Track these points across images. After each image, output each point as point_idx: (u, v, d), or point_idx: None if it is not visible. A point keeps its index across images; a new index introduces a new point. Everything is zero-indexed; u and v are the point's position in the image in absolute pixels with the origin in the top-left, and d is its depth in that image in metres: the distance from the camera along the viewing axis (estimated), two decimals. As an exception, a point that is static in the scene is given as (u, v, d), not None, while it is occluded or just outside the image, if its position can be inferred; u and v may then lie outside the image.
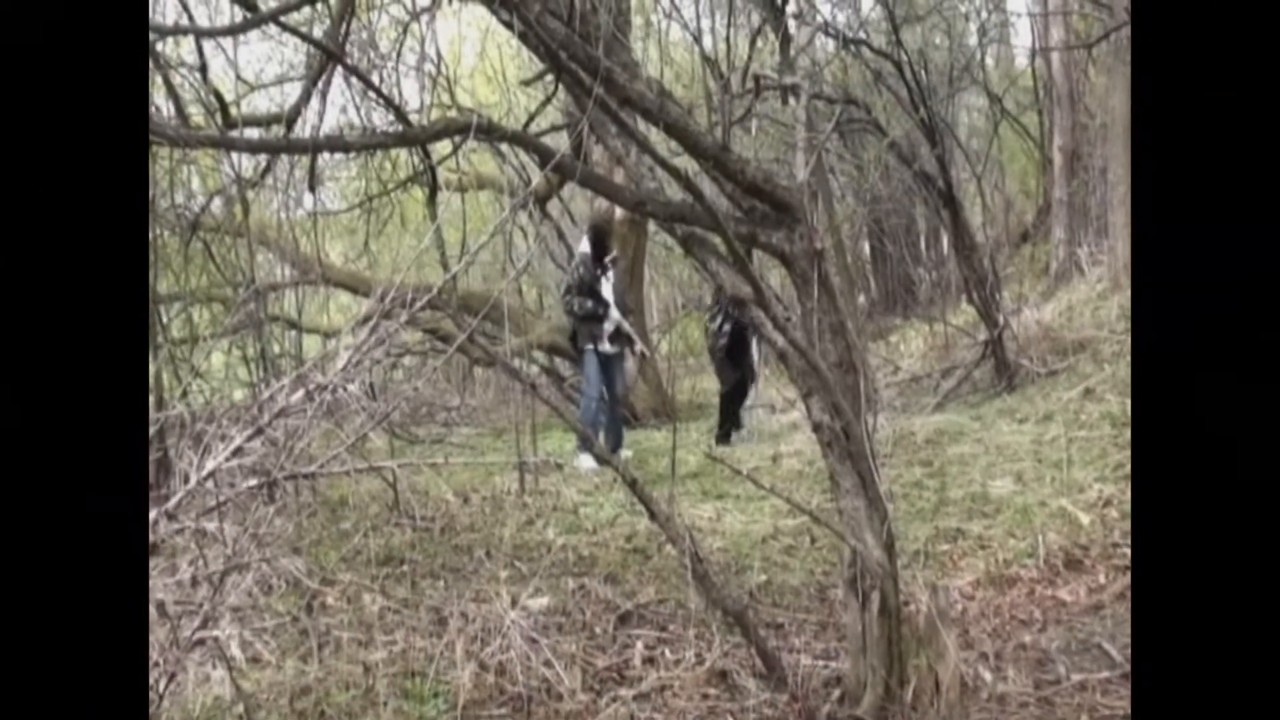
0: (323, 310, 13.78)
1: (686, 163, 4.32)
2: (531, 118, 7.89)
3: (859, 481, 4.11)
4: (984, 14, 17.18)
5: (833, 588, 5.52)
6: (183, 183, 8.67)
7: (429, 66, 9.00)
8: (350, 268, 12.90)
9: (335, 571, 5.64)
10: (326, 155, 9.08)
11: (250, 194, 8.32)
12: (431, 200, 7.43)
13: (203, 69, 7.55)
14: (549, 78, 5.50)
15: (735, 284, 4.22)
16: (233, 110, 7.57)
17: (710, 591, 4.41)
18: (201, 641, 3.78)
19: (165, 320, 7.92)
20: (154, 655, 3.64)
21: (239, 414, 3.94)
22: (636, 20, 12.44)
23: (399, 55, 8.62)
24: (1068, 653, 4.71)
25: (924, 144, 11.42)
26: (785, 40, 10.20)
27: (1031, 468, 7.43)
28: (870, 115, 11.48)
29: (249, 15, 5.24)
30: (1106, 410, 8.14)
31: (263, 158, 8.05)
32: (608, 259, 9.55)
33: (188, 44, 7.96)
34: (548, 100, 7.69)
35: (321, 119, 7.27)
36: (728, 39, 6.54)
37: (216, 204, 8.73)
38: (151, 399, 6.90)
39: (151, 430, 5.35)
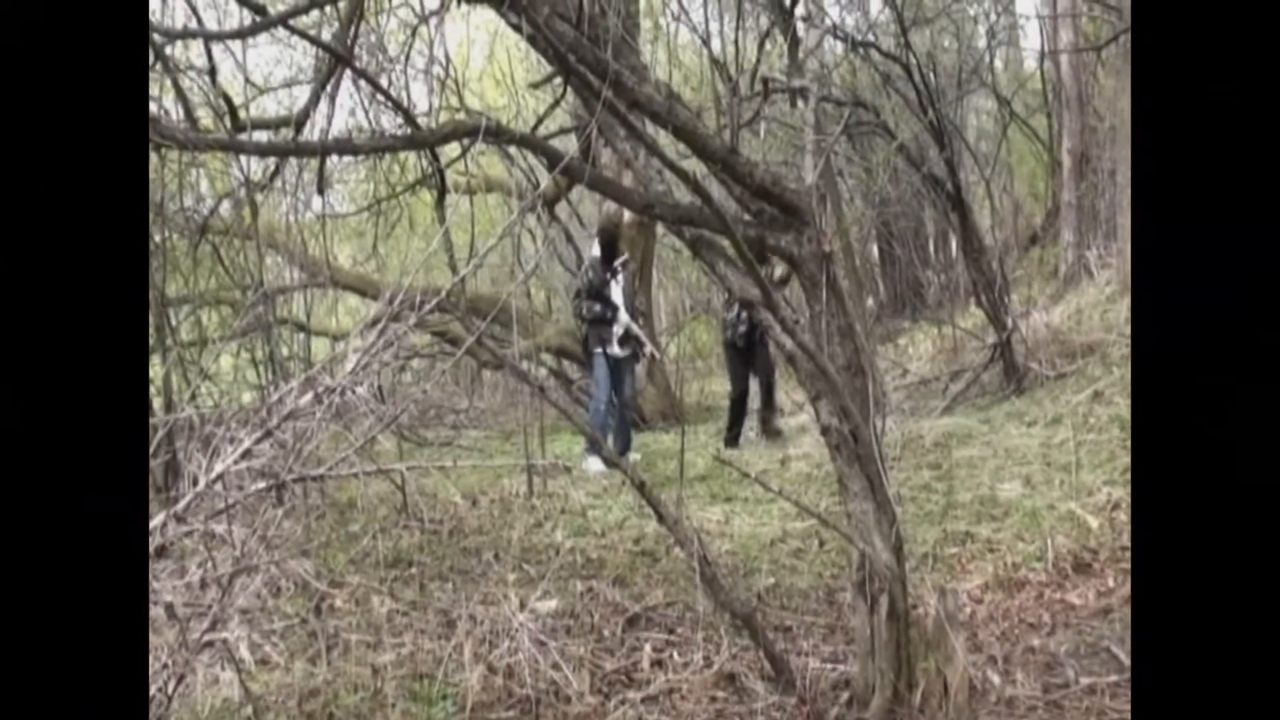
0: (331, 313, 13.78)
1: (695, 165, 4.32)
2: (540, 120, 7.89)
3: (867, 484, 4.11)
4: (993, 16, 17.17)
5: (841, 591, 5.52)
6: (191, 186, 8.68)
7: (437, 69, 9.01)
8: (359, 270, 12.92)
9: (344, 574, 5.65)
10: (335, 158, 9.09)
11: (259, 197, 8.33)
12: (440, 203, 7.42)
13: (211, 72, 7.55)
14: (557, 80, 5.49)
15: (744, 287, 4.22)
16: (241, 113, 7.58)
17: (718, 594, 4.41)
18: (210, 643, 3.78)
19: (174, 323, 7.93)
20: (163, 657, 3.64)
21: (247, 416, 3.93)
22: (645, 23, 12.45)
23: (407, 58, 8.64)
24: (1076, 656, 4.71)
25: (933, 147, 11.40)
26: (794, 43, 10.20)
27: (1040, 471, 7.41)
28: (879, 118, 11.46)
29: (258, 19, 5.24)
30: (1115, 413, 8.12)
31: (271, 161, 8.05)
32: (617, 262, 9.55)
33: (197, 47, 7.97)
34: (556, 103, 7.70)
35: (330, 122, 7.30)
36: (736, 42, 6.53)
37: (225, 207, 8.74)
38: (160, 401, 6.91)
39: (160, 433, 5.36)
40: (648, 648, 4.89)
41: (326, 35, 7.14)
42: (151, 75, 6.86)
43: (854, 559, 4.18)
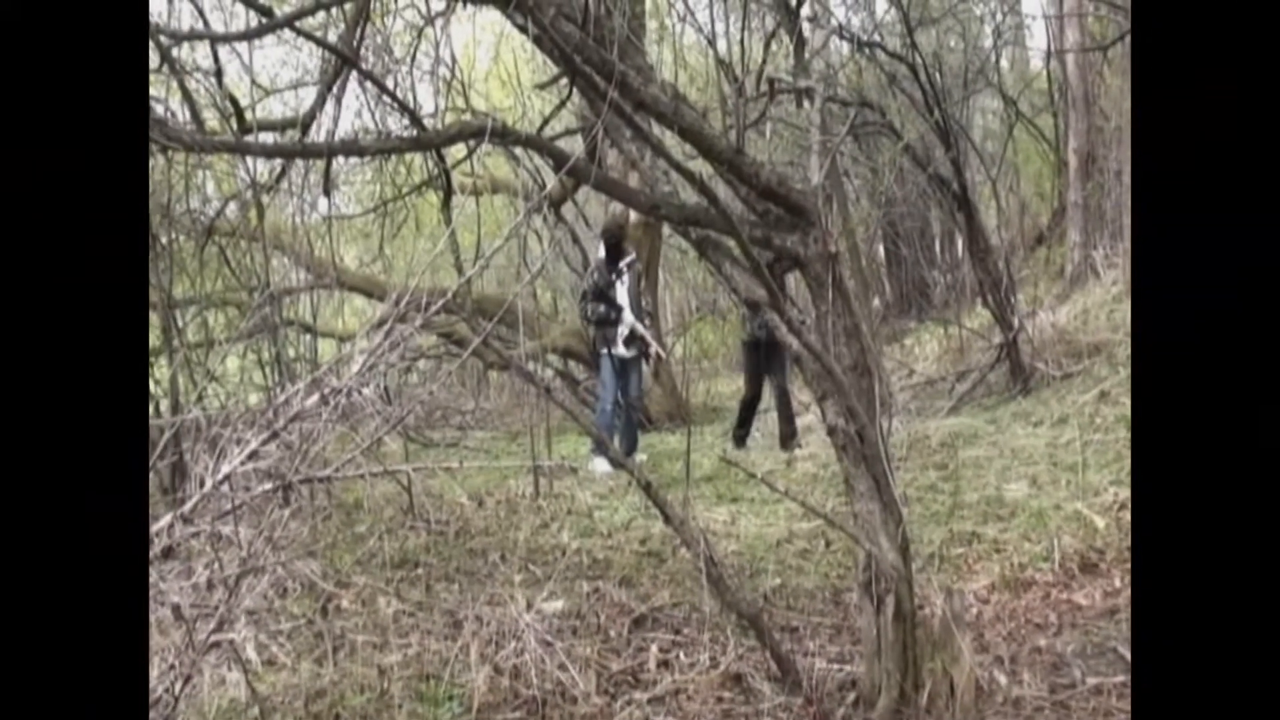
0: (337, 314, 13.77)
1: (701, 166, 4.32)
2: (546, 121, 7.91)
3: (874, 485, 4.11)
4: (999, 16, 17.14)
5: (847, 591, 5.52)
6: (198, 187, 8.70)
7: (443, 70, 9.01)
8: (365, 272, 12.92)
9: (350, 575, 5.65)
10: (341, 159, 9.09)
11: (265, 198, 8.33)
12: (446, 204, 7.44)
13: (218, 74, 7.57)
14: (563, 81, 5.51)
15: (750, 287, 4.22)
16: (247, 115, 7.59)
17: (725, 595, 4.41)
18: (217, 644, 3.78)
19: (181, 324, 7.93)
20: (169, 658, 3.66)
21: (254, 418, 3.94)
22: (651, 24, 12.45)
23: (413, 59, 8.66)
24: (1083, 656, 4.70)
25: (939, 147, 11.39)
26: (800, 44, 10.18)
27: (1046, 471, 7.41)
28: (885, 118, 11.45)
29: (264, 20, 5.25)
30: (1121, 413, 8.11)
31: (278, 162, 8.06)
32: (622, 263, 9.55)
33: (203, 49, 8.01)
34: (562, 104, 7.71)
35: (336, 123, 7.30)
36: (742, 42, 6.52)
37: (231, 208, 8.75)
38: (167, 403, 6.93)
39: (167, 434, 5.37)
40: (654, 648, 4.89)
41: (332, 37, 7.16)
42: (158, 77, 6.88)
43: (860, 559, 4.18)
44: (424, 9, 8.43)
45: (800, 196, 4.22)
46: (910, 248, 18.73)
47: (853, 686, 4.42)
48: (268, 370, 7.94)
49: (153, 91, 7.08)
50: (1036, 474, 7.37)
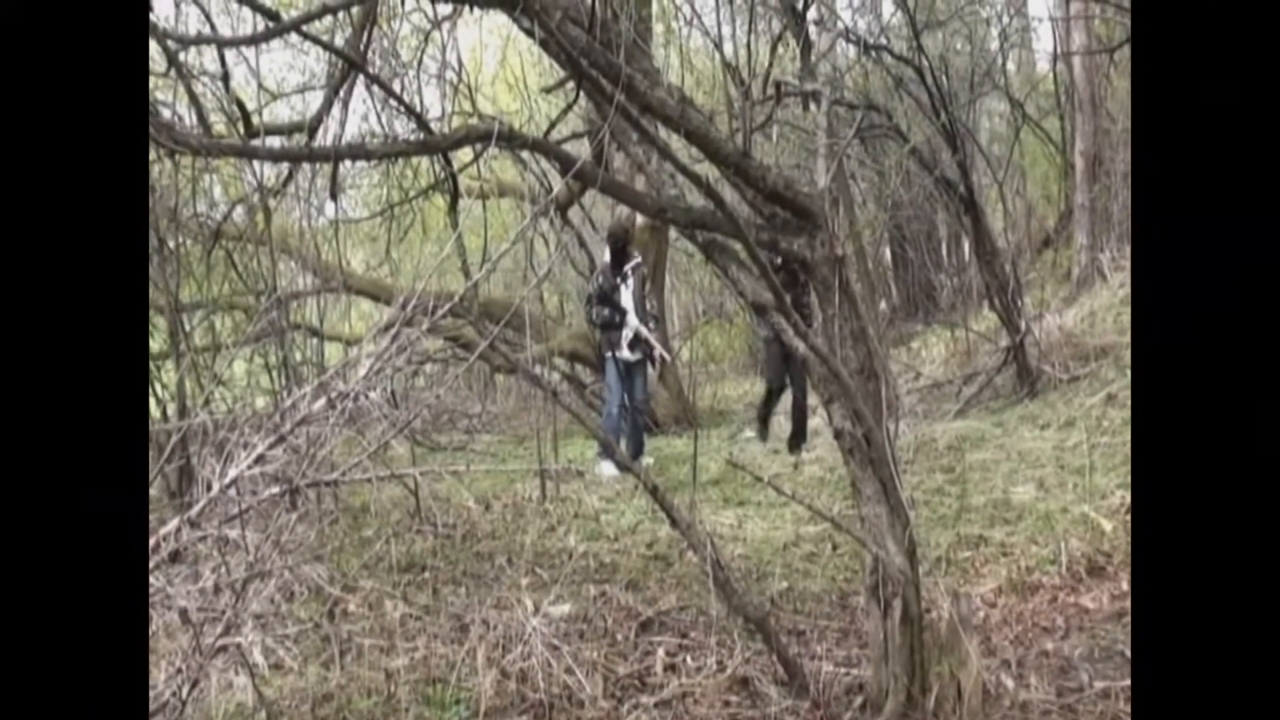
0: (344, 318, 13.81)
1: (707, 169, 4.32)
2: (553, 125, 7.90)
3: (880, 488, 4.10)
4: (1005, 19, 17.14)
5: (854, 595, 5.51)
6: (205, 191, 8.70)
7: (450, 74, 9.05)
8: (372, 275, 12.93)
9: (357, 578, 5.66)
10: (348, 163, 9.12)
11: (272, 202, 8.35)
12: (453, 208, 7.45)
13: (225, 78, 7.58)
14: (570, 85, 5.51)
15: (756, 290, 4.21)
16: (255, 119, 7.60)
17: (731, 598, 4.40)
18: (224, 648, 3.78)
19: (188, 328, 7.95)
20: (176, 662, 3.66)
21: (261, 422, 3.94)
22: (657, 27, 12.46)
23: (420, 63, 8.68)
24: (1091, 660, 4.69)
25: (945, 150, 11.38)
26: (806, 46, 10.15)
27: (1054, 474, 7.40)
28: (891, 121, 11.44)
29: (271, 25, 5.25)
30: (1128, 416, 8.09)
31: (284, 166, 8.08)
32: (627, 267, 9.56)
33: (210, 53, 8.01)
34: (569, 107, 7.70)
35: (343, 127, 7.32)
36: (749, 45, 6.53)
37: (239, 212, 8.76)
38: (174, 407, 6.94)
39: (174, 438, 5.37)
40: (661, 652, 4.89)
41: (339, 41, 7.15)
42: (165, 81, 6.90)
43: (867, 563, 4.17)
44: (431, 13, 8.45)
45: (807, 199, 4.22)
46: (917, 250, 18.73)
47: (860, 690, 4.41)
48: (274, 374, 7.94)
49: (159, 95, 7.10)
50: (1043, 477, 7.36)
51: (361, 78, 6.89)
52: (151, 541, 3.32)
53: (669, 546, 6.34)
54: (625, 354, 9.49)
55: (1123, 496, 6.40)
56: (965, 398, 11.27)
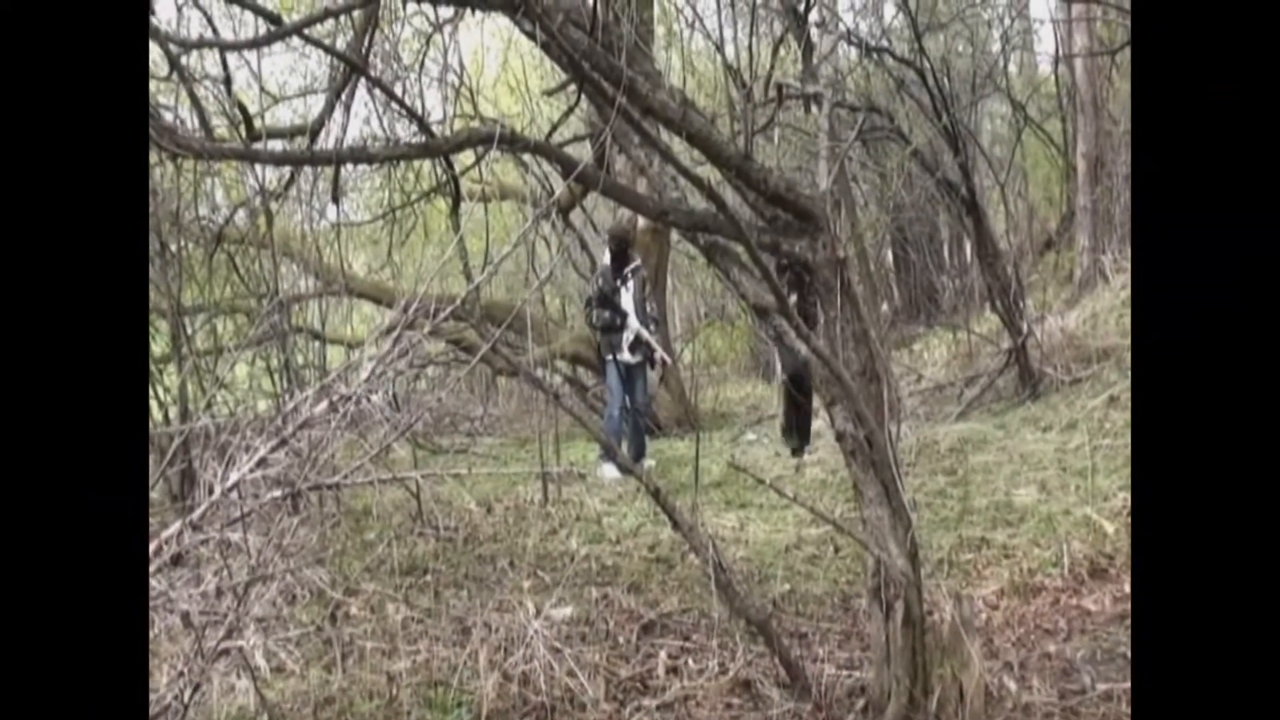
0: (346, 321, 13.82)
1: (709, 172, 4.32)
2: (554, 128, 7.89)
3: (882, 490, 4.09)
4: (1007, 21, 17.14)
5: (856, 597, 5.50)
6: (206, 195, 8.72)
7: (451, 77, 9.05)
8: (373, 278, 12.94)
9: (359, 581, 5.66)
10: (350, 166, 9.12)
11: (274, 205, 8.35)
12: (454, 211, 7.44)
13: (227, 81, 7.59)
14: (571, 88, 5.50)
15: (758, 293, 4.21)
16: (256, 122, 7.61)
17: (733, 601, 4.40)
18: (226, 652, 3.78)
19: (190, 332, 7.94)
20: (178, 665, 3.65)
21: (263, 425, 3.95)
22: (659, 30, 12.47)
23: (422, 66, 8.69)
24: (1092, 662, 4.69)
25: (947, 152, 11.38)
26: (808, 49, 10.15)
27: (1056, 476, 7.39)
28: (893, 123, 11.44)
29: (273, 28, 5.26)
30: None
31: (286, 169, 8.08)
32: (627, 269, 9.56)
33: (212, 57, 8.01)
34: (570, 110, 7.70)
35: (345, 130, 7.33)
36: (750, 48, 6.53)
37: (240, 216, 8.76)
38: (176, 410, 6.93)
39: (176, 441, 5.37)
40: (663, 655, 4.88)
41: (341, 44, 7.16)
42: (166, 84, 6.90)
43: (869, 565, 4.16)
44: (432, 16, 8.45)
45: (808, 202, 4.21)
46: (919, 253, 18.73)
47: (862, 692, 4.40)
48: (276, 377, 7.95)
49: (161, 99, 7.11)
50: (1046, 479, 7.36)
51: (363, 81, 6.89)
52: (153, 545, 3.32)
53: (671, 549, 6.34)
54: (626, 356, 9.49)
55: (1125, 499, 6.39)
56: (967, 400, 11.27)
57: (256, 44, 5.62)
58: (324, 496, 6.23)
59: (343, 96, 7.12)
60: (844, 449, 4.22)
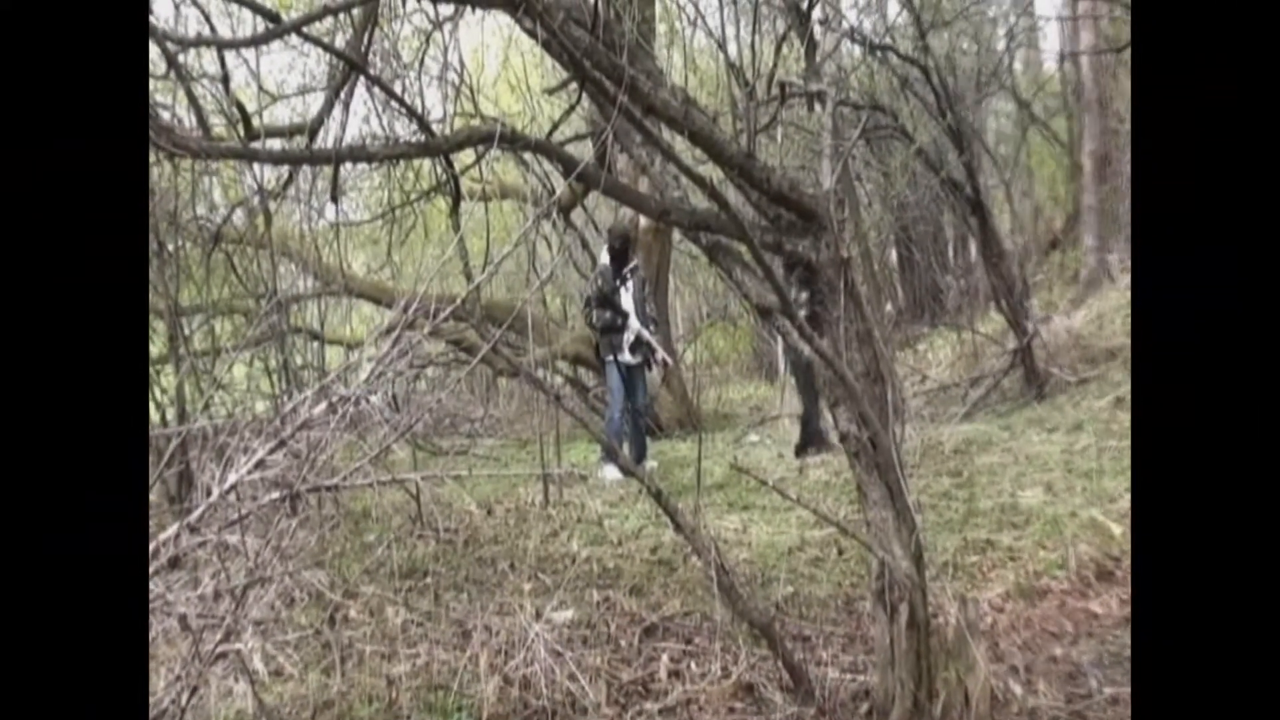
0: (345, 321, 13.82)
1: (711, 171, 4.28)
2: (555, 126, 7.86)
3: (886, 492, 4.06)
4: (1012, 18, 17.13)
5: (860, 600, 5.47)
6: (204, 194, 8.68)
7: (452, 76, 9.00)
8: (373, 278, 12.92)
9: (358, 584, 5.63)
10: (349, 165, 9.10)
11: (272, 205, 8.32)
12: (454, 210, 7.41)
13: (225, 80, 7.56)
14: (573, 86, 5.47)
15: (760, 293, 4.17)
16: (255, 121, 7.58)
17: (736, 604, 4.36)
18: (224, 655, 3.75)
19: (187, 332, 7.92)
20: (176, 668, 3.62)
21: (261, 426, 3.91)
22: (661, 28, 12.42)
23: (421, 65, 8.64)
24: (1100, 666, 4.66)
25: (951, 150, 11.36)
26: (811, 47, 10.15)
27: (1062, 478, 7.36)
28: (897, 122, 11.42)
29: (271, 26, 5.22)
30: (1137, 419, 8.05)
31: (285, 168, 8.05)
32: (627, 269, 9.53)
33: (210, 55, 7.99)
34: (571, 109, 7.67)
35: (344, 129, 7.29)
36: (753, 46, 6.47)
37: (238, 215, 8.73)
38: (174, 411, 6.90)
39: (174, 443, 5.34)
40: (665, 658, 4.85)
41: (340, 42, 7.13)
42: (164, 83, 6.87)
43: (873, 567, 4.13)
44: (432, 14, 8.41)
45: (812, 201, 4.18)
46: (923, 252, 18.71)
47: (866, 696, 4.37)
48: (275, 378, 7.92)
49: (159, 97, 7.08)
50: (1051, 481, 7.33)
51: (362, 79, 6.86)
52: (151, 547, 3.30)
53: (673, 551, 6.31)
54: (626, 357, 9.47)
55: (1131, 500, 6.36)
56: (972, 400, 11.24)
57: (255, 42, 5.60)
58: (323, 498, 6.17)
59: (342, 95, 7.08)
60: (848, 450, 4.19)
